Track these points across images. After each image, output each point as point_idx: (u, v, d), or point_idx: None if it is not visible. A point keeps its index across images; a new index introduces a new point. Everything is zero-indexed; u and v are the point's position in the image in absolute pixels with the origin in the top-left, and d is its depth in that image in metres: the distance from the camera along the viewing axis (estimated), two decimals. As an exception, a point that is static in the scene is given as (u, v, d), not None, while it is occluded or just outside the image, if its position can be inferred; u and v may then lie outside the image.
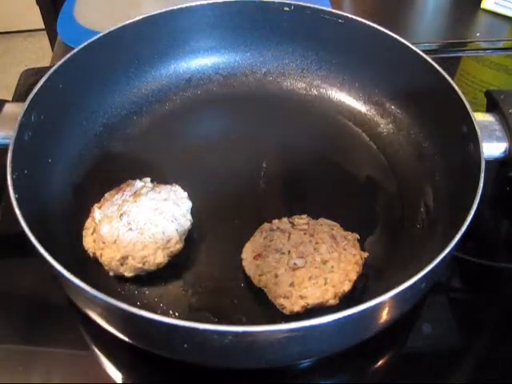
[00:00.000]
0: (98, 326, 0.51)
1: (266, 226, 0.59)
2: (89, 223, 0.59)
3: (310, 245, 0.56)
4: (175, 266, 0.57)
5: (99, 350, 0.55)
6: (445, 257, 0.47)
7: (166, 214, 0.57)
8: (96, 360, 0.55)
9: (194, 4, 0.73)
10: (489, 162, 0.55)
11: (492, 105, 0.63)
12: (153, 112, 0.75)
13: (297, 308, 0.52)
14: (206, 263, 0.58)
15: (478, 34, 0.94)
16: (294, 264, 0.54)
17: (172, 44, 0.75)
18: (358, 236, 0.58)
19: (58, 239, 0.56)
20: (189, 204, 0.60)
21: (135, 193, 0.59)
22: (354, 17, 0.71)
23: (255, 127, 0.74)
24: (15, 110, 0.59)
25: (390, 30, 0.69)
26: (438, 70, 0.64)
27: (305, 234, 0.57)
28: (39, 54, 2.08)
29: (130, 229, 0.56)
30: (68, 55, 0.65)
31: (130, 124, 0.73)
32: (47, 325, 0.56)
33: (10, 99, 0.75)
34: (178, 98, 0.76)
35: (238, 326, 0.42)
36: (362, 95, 0.75)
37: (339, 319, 0.42)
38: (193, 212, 0.60)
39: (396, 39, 0.68)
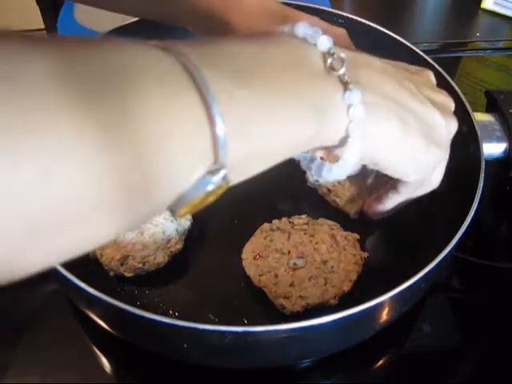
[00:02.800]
0: (98, 325, 0.51)
1: (265, 226, 0.59)
2: (89, 223, 0.58)
3: (310, 245, 0.56)
4: (175, 266, 0.57)
5: (99, 350, 0.55)
6: (445, 257, 0.47)
7: (165, 213, 0.57)
8: (96, 360, 0.55)
9: (194, 4, 0.73)
10: (489, 162, 0.55)
11: (492, 105, 0.63)
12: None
13: (297, 308, 0.52)
14: (206, 263, 0.58)
15: (477, 34, 0.94)
16: (294, 264, 0.54)
17: (172, 44, 0.75)
18: (357, 236, 0.58)
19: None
20: (189, 204, 0.60)
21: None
22: (354, 17, 0.71)
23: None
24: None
25: (390, 30, 0.69)
26: (438, 70, 0.64)
27: (305, 233, 0.57)
28: (39, 54, 2.07)
29: (130, 229, 0.56)
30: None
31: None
32: (47, 325, 0.56)
33: (10, 99, 0.75)
34: (177, 97, 0.76)
35: (238, 326, 0.42)
36: (362, 95, 0.75)
37: (339, 319, 0.42)
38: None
39: (396, 39, 0.68)
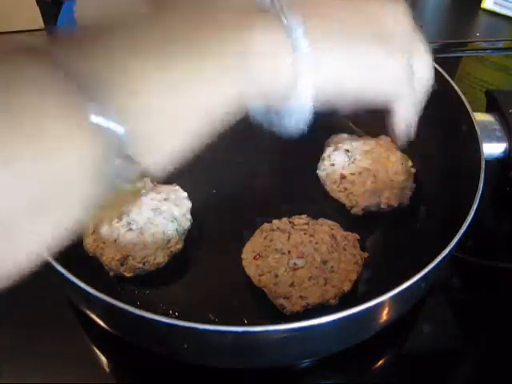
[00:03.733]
0: (98, 325, 0.51)
1: (265, 226, 0.59)
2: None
3: (310, 245, 0.56)
4: (175, 266, 0.57)
5: (99, 350, 0.55)
6: (445, 257, 0.47)
7: (165, 213, 0.57)
8: (96, 360, 0.55)
9: (193, 4, 0.73)
10: (489, 162, 0.55)
11: (492, 105, 0.63)
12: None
13: (297, 308, 0.52)
14: (206, 263, 0.58)
15: (477, 34, 0.94)
16: (294, 264, 0.54)
17: (172, 44, 0.75)
18: (357, 236, 0.58)
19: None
20: (189, 204, 0.60)
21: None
22: (354, 17, 0.71)
23: (255, 127, 0.74)
24: (15, 109, 0.59)
25: (390, 30, 0.69)
26: (438, 70, 0.63)
27: (305, 233, 0.57)
28: (39, 54, 2.07)
29: (130, 229, 0.56)
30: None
31: (130, 124, 0.73)
32: (47, 325, 0.56)
33: (10, 99, 0.75)
34: (177, 97, 0.76)
35: (238, 326, 0.42)
36: (362, 95, 0.75)
37: (339, 319, 0.42)
38: (193, 212, 0.60)
39: (396, 39, 0.68)
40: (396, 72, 0.38)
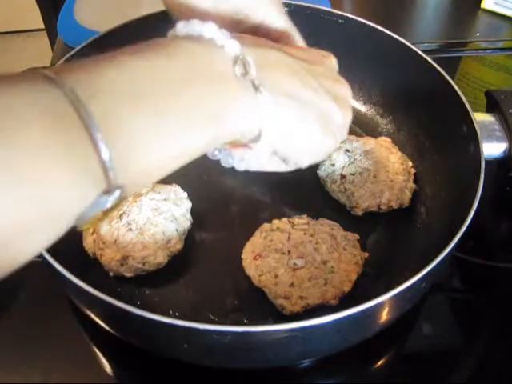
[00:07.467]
0: (98, 325, 0.51)
1: (265, 226, 0.59)
2: (89, 223, 0.58)
3: (309, 245, 0.56)
4: (175, 266, 0.57)
5: (99, 350, 0.55)
6: (445, 257, 0.47)
7: (165, 214, 0.57)
8: (96, 360, 0.55)
9: (193, 4, 0.73)
10: (489, 162, 0.55)
11: (492, 105, 0.63)
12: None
13: (297, 308, 0.52)
14: (206, 263, 0.58)
15: (477, 34, 0.94)
16: (294, 264, 0.54)
17: (172, 44, 0.75)
18: (357, 236, 0.58)
19: (58, 239, 0.56)
20: (189, 204, 0.60)
21: (135, 193, 0.59)
22: (354, 17, 0.71)
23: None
24: (15, 110, 0.59)
25: (390, 30, 0.69)
26: (438, 70, 0.64)
27: (305, 234, 0.57)
28: (39, 54, 2.07)
29: (130, 229, 0.56)
30: (68, 55, 0.65)
31: (130, 124, 0.73)
32: (47, 325, 0.56)
33: (10, 99, 0.75)
34: (177, 98, 0.76)
35: (238, 326, 0.42)
36: (362, 95, 0.75)
37: (339, 319, 0.42)
38: (193, 212, 0.60)
39: (396, 39, 0.68)
40: (323, 152, 0.47)
